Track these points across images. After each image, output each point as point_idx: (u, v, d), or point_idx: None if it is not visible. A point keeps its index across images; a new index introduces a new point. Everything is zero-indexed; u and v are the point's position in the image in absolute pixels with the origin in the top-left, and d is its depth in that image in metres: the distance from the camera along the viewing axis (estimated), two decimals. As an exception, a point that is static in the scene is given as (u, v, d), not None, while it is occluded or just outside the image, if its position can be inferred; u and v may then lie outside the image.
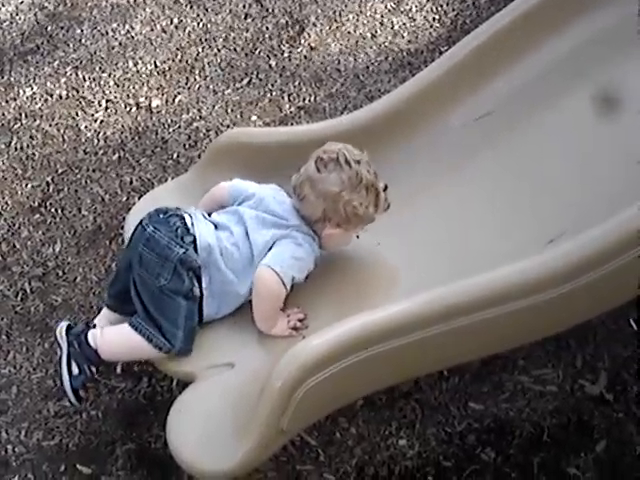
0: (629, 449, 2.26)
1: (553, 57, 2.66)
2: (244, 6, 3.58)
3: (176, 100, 3.29)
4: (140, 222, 2.29)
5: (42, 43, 3.57)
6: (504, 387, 2.41)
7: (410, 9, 3.46)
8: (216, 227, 2.29)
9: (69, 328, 2.32)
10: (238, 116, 3.20)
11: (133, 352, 2.27)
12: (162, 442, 2.38)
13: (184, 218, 2.26)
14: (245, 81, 3.32)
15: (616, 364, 2.40)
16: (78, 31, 3.58)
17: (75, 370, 2.28)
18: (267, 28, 3.49)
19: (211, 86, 3.32)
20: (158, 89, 3.33)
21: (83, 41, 3.54)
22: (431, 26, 3.38)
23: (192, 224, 2.25)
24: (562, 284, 2.03)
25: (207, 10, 3.60)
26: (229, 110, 3.23)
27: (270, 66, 3.36)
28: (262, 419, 1.95)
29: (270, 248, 2.24)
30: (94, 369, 2.30)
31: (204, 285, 2.24)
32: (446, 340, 2.02)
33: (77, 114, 3.29)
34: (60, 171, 3.13)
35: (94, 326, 2.33)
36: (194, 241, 2.22)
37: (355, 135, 2.53)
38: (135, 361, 2.50)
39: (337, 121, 2.69)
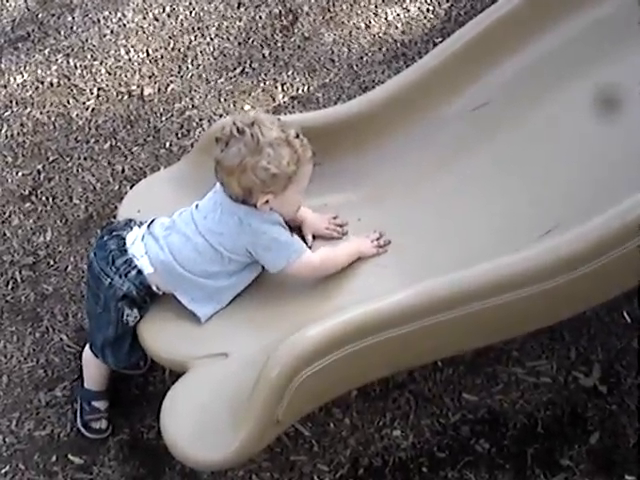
0: (622, 441, 2.27)
1: (550, 48, 2.63)
2: (237, -5, 3.56)
3: (168, 89, 3.26)
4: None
5: (33, 30, 3.52)
6: (498, 378, 2.41)
7: (404, 0, 3.44)
8: (173, 231, 2.24)
9: None
10: (231, 105, 3.18)
11: (92, 369, 2.42)
12: (155, 432, 2.38)
13: (124, 238, 2.24)
14: (238, 70, 3.30)
15: (610, 356, 2.41)
16: (69, 18, 3.54)
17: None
18: (260, 17, 3.47)
19: (204, 75, 3.30)
20: (150, 77, 3.30)
21: (74, 29, 3.50)
22: (425, 17, 3.37)
23: (133, 243, 2.23)
24: (556, 276, 2.03)
25: (200, -2, 3.57)
26: (222, 99, 3.21)
27: (263, 55, 3.33)
28: (257, 409, 1.94)
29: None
30: (97, 403, 2.43)
31: (186, 302, 2.21)
32: (443, 330, 2.01)
33: (68, 102, 3.26)
34: (51, 159, 3.10)
35: None
36: (128, 262, 2.21)
37: (350, 124, 2.53)
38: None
39: (331, 110, 2.68)
